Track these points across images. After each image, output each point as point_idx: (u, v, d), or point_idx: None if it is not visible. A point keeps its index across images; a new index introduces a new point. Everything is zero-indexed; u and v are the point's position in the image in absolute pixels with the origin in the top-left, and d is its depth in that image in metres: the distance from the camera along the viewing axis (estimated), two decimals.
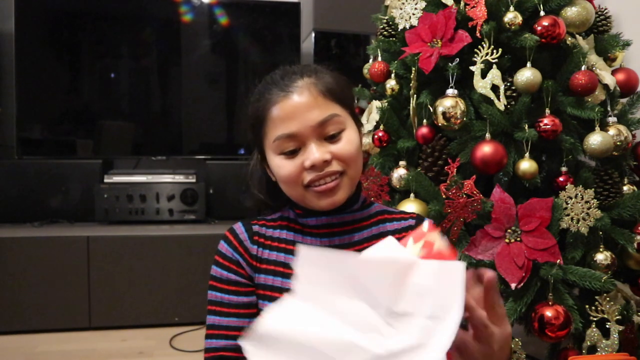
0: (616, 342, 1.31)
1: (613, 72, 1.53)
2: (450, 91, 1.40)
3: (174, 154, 2.78)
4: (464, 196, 1.32)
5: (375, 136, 1.56)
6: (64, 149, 2.64)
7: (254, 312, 0.86)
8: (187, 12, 2.71)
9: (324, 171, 0.83)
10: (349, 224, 0.91)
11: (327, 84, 0.86)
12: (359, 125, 0.91)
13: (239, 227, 0.93)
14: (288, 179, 0.85)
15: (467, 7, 1.42)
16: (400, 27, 1.54)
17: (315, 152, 0.82)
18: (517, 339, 1.34)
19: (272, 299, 0.86)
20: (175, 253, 2.34)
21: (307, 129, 0.83)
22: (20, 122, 2.53)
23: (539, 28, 1.39)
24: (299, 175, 0.84)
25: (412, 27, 1.51)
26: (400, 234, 0.92)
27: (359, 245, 0.87)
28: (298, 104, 0.83)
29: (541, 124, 1.37)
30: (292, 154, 0.84)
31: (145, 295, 2.30)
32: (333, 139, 0.84)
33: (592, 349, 1.33)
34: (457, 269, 0.61)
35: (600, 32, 1.58)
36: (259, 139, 0.89)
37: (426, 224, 0.93)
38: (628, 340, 1.37)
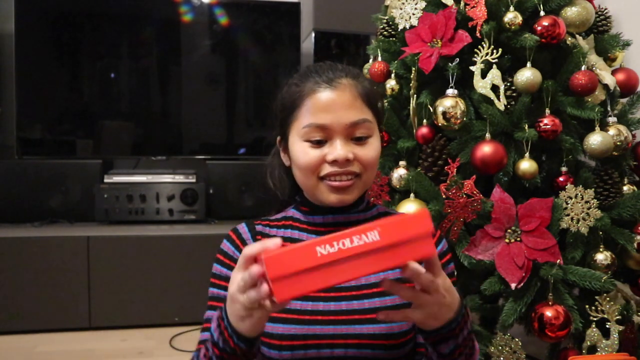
0: (616, 342, 1.31)
1: (613, 72, 1.53)
2: (450, 91, 1.40)
3: (174, 154, 2.78)
4: (464, 196, 1.32)
5: None
6: (64, 149, 2.64)
7: None
8: (187, 12, 2.71)
9: (343, 168, 0.85)
10: (354, 223, 0.92)
11: (366, 89, 0.89)
12: (381, 136, 0.94)
13: (242, 227, 0.94)
14: (307, 167, 0.86)
15: (467, 7, 1.42)
16: (400, 27, 1.54)
17: (340, 149, 0.84)
18: (517, 339, 1.34)
19: None
20: (175, 253, 2.34)
21: (340, 125, 0.85)
22: (20, 122, 2.54)
23: (539, 28, 1.39)
24: (318, 166, 0.86)
25: (412, 27, 1.51)
26: None
27: None
28: (338, 99, 0.85)
29: (541, 124, 1.37)
30: (317, 144, 0.86)
31: (145, 295, 2.30)
32: (359, 141, 0.87)
33: (592, 349, 1.33)
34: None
35: (600, 32, 1.58)
36: (286, 121, 0.90)
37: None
38: (628, 340, 1.37)
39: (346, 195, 0.87)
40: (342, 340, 0.84)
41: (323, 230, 0.92)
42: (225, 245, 0.92)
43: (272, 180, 1.00)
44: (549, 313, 1.28)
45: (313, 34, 2.81)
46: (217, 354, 0.73)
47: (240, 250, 0.90)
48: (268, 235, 0.93)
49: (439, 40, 1.43)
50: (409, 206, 1.40)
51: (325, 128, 0.85)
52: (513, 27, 1.39)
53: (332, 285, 0.63)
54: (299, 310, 0.85)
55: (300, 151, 0.87)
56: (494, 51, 1.38)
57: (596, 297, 1.32)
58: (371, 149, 0.88)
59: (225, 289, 0.88)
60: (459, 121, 1.38)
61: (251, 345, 0.71)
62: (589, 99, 1.41)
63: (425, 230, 0.66)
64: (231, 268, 0.88)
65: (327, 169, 0.85)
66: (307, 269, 0.61)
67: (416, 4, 1.51)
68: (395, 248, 0.64)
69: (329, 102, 0.85)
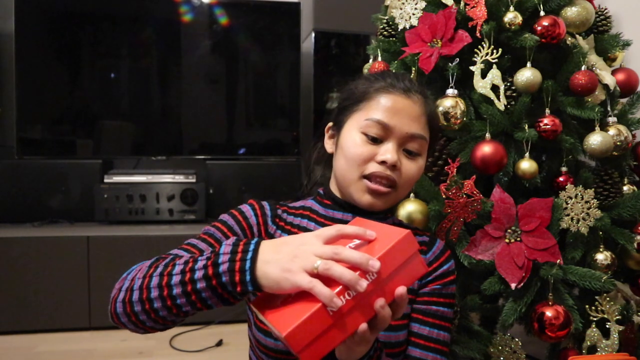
0: (616, 342, 1.31)
1: (613, 72, 1.53)
2: (450, 91, 1.40)
3: (174, 154, 2.78)
4: (464, 196, 1.32)
5: None
6: (64, 149, 2.64)
7: None
8: (187, 12, 2.71)
9: (387, 173, 0.86)
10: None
11: (432, 111, 0.92)
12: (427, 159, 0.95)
13: (265, 204, 0.96)
14: (355, 158, 0.87)
15: (467, 7, 1.42)
16: (400, 27, 1.54)
17: (392, 152, 0.86)
18: (517, 339, 1.34)
19: None
20: None
21: (400, 131, 0.87)
22: (20, 122, 2.54)
23: (539, 28, 1.39)
24: (366, 162, 0.87)
25: (412, 27, 1.51)
26: None
27: None
28: (409, 107, 0.87)
29: (541, 124, 1.37)
30: (372, 140, 0.87)
31: None
32: (409, 155, 0.89)
33: (592, 349, 1.33)
34: None
35: (600, 32, 1.58)
36: (349, 109, 0.91)
37: (438, 244, 0.96)
38: (628, 340, 1.37)
39: (378, 201, 0.88)
40: None
41: None
42: (245, 208, 0.93)
43: (306, 165, 1.03)
44: (549, 313, 1.28)
45: (313, 34, 2.81)
46: (201, 275, 0.67)
47: (257, 220, 0.92)
48: (285, 221, 0.94)
49: (439, 40, 1.43)
50: (409, 206, 1.40)
51: (387, 128, 0.86)
52: (513, 27, 1.39)
53: (352, 333, 0.65)
54: None
55: (353, 141, 0.87)
56: (494, 51, 1.38)
57: (596, 297, 1.32)
58: (416, 166, 0.90)
59: (223, 233, 0.89)
60: (459, 121, 1.38)
61: (243, 293, 0.66)
62: (589, 99, 1.41)
63: (414, 251, 0.68)
64: (240, 226, 0.90)
65: (372, 168, 0.86)
66: (325, 330, 0.63)
67: (416, 4, 1.51)
68: (395, 276, 0.66)
69: (400, 105, 0.87)
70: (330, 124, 0.97)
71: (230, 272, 0.65)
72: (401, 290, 0.66)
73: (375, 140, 0.87)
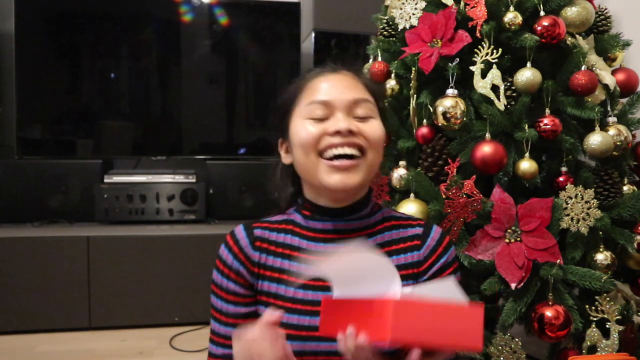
0: (616, 342, 1.31)
1: (613, 72, 1.53)
2: (450, 91, 1.40)
3: (174, 154, 2.78)
4: (464, 196, 1.32)
5: None
6: (64, 149, 2.64)
7: (254, 320, 0.86)
8: (187, 12, 2.71)
9: (346, 139, 0.83)
10: (355, 231, 0.90)
11: (367, 79, 0.92)
12: (385, 126, 0.93)
13: (240, 231, 0.91)
14: (307, 141, 0.84)
15: (467, 7, 1.42)
16: (400, 27, 1.54)
17: (342, 120, 0.84)
18: (517, 339, 1.34)
19: (275, 307, 0.86)
20: (175, 253, 2.33)
21: (341, 101, 0.85)
22: (20, 122, 2.53)
23: (539, 28, 1.39)
24: (319, 140, 0.84)
25: (412, 27, 1.51)
26: (405, 243, 0.91)
27: None
28: (340, 79, 0.88)
29: (541, 124, 1.37)
30: (320, 121, 0.86)
31: (145, 295, 2.30)
32: (362, 119, 0.87)
33: (592, 349, 1.33)
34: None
35: (600, 32, 1.58)
36: (287, 111, 0.90)
37: (433, 235, 0.92)
38: (628, 340, 1.37)
39: (348, 179, 0.83)
40: None
41: (322, 237, 0.90)
42: (224, 253, 0.90)
43: (274, 186, 1.00)
44: (549, 313, 1.28)
45: (313, 34, 2.81)
46: None
47: (238, 259, 0.89)
48: (267, 240, 0.91)
49: (439, 40, 1.43)
50: (409, 206, 1.40)
51: (327, 104, 0.85)
52: (513, 27, 1.39)
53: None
54: (302, 300, 0.85)
55: (301, 127, 0.86)
56: (494, 51, 1.39)
57: (596, 297, 1.32)
58: (375, 127, 0.87)
59: (226, 301, 0.89)
60: (459, 121, 1.38)
61: None
62: (589, 99, 1.41)
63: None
64: (230, 279, 0.89)
65: (329, 140, 0.83)
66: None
67: (416, 4, 1.51)
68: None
69: (331, 81, 0.87)
70: (280, 139, 0.95)
71: None
72: (362, 338, 0.68)
73: (323, 120, 0.85)
